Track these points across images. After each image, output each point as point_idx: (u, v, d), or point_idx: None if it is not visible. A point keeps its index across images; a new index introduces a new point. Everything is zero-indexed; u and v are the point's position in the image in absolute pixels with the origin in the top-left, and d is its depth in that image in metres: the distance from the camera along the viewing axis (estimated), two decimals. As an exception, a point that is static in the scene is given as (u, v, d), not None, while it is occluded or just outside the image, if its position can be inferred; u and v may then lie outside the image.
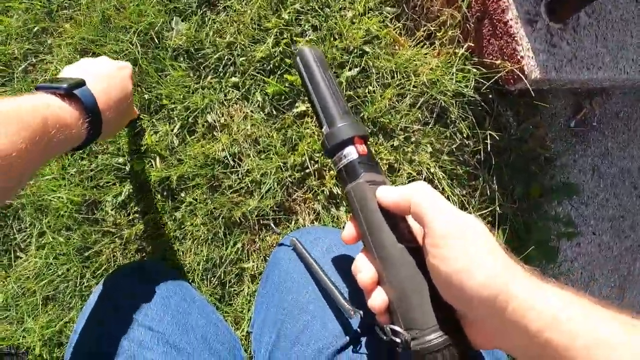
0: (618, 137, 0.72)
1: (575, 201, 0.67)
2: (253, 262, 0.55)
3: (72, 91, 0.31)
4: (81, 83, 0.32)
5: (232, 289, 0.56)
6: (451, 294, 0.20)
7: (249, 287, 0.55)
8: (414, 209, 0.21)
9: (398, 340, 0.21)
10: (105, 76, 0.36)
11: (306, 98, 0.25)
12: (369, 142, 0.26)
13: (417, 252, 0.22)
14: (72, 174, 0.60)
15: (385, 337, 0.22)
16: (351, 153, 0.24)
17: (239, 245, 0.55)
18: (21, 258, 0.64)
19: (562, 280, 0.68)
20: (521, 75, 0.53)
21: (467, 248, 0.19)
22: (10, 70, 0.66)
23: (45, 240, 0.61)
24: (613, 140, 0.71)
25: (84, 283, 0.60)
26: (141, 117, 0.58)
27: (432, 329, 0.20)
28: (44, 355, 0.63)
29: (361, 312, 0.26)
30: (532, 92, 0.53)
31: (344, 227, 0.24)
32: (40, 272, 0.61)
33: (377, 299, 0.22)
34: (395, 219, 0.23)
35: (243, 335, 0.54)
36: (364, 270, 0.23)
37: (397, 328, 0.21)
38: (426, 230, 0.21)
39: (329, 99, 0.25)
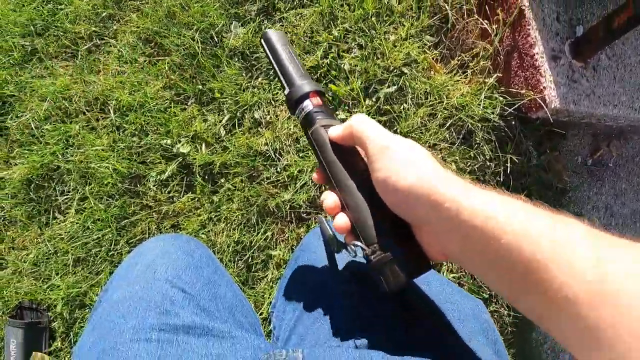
0: (632, 180, 0.75)
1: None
2: (280, 250, 0.59)
3: None
4: None
5: (257, 274, 0.59)
6: (393, 202, 0.23)
7: (272, 274, 0.59)
8: (355, 136, 0.24)
9: (360, 254, 0.24)
10: None
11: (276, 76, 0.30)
12: (325, 97, 0.30)
13: (370, 179, 0.25)
14: (121, 148, 0.65)
15: (351, 254, 0.25)
16: (308, 105, 0.28)
17: (269, 233, 0.59)
18: (58, 219, 0.68)
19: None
20: (542, 104, 0.58)
21: (400, 155, 0.22)
22: (75, 47, 0.72)
23: (86, 205, 0.65)
24: (627, 182, 0.75)
25: (116, 250, 0.64)
26: None
27: (386, 242, 0.23)
28: (65, 314, 0.66)
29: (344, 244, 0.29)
30: (551, 120, 0.58)
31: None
32: (76, 234, 0.66)
33: (340, 220, 0.26)
34: (349, 154, 0.26)
35: (262, 318, 0.57)
36: (327, 198, 0.26)
37: (359, 243, 0.24)
38: (367, 153, 0.24)
39: (288, 66, 0.29)
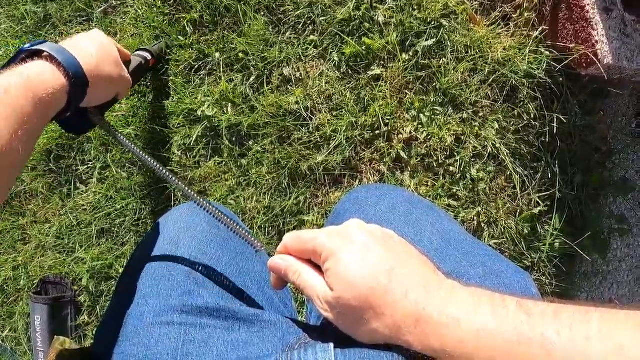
0: (679, 143, 0.71)
1: (631, 202, 0.67)
2: (313, 216, 0.56)
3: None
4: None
5: (289, 239, 0.57)
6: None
7: (305, 239, 0.56)
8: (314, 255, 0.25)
9: None
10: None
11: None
12: None
13: None
14: (143, 114, 0.62)
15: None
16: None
17: (302, 197, 0.56)
18: (80, 189, 0.66)
19: (609, 280, 0.68)
20: (595, 60, 0.53)
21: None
22: (90, 10, 0.69)
23: (108, 173, 0.63)
24: (674, 146, 0.70)
25: (141, 219, 0.62)
26: (162, 62, 0.59)
27: None
28: (91, 287, 0.65)
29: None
30: (605, 77, 0.53)
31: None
32: (99, 204, 0.63)
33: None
34: None
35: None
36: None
37: None
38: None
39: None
